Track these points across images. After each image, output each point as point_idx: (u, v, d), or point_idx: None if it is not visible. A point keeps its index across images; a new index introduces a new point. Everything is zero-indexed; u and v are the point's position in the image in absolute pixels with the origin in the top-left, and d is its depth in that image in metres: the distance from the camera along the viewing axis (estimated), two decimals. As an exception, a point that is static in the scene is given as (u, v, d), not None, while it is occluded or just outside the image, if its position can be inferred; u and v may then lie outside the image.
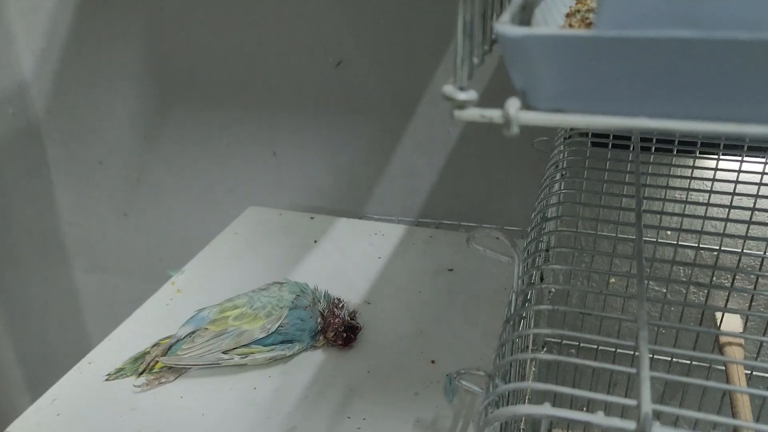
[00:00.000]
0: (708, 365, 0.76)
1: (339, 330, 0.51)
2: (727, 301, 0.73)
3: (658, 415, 0.28)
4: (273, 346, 0.48)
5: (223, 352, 0.47)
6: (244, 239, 0.67)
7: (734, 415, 0.61)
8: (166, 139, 0.88)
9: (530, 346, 0.49)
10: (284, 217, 0.71)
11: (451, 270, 0.61)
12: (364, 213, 0.82)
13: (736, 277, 0.72)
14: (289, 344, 0.49)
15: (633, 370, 0.30)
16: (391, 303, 0.56)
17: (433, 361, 0.49)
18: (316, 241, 0.66)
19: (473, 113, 0.24)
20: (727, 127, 0.22)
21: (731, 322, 0.71)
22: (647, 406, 0.27)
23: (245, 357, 0.47)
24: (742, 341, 0.70)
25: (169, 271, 0.62)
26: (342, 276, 0.59)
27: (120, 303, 1.06)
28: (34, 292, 0.97)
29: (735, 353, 0.68)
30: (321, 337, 0.51)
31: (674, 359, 0.75)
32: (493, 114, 0.24)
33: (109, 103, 0.88)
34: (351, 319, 0.52)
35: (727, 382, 0.65)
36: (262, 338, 0.48)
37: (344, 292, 0.57)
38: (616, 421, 0.27)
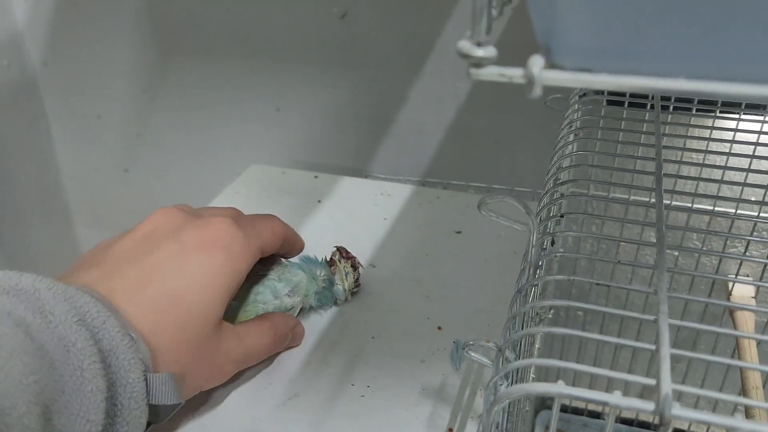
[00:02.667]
0: (716, 333, 0.74)
1: (354, 278, 0.50)
2: (739, 268, 0.71)
3: (678, 396, 0.26)
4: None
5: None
6: (245, 199, 0.65)
7: (743, 385, 0.60)
8: (167, 94, 0.86)
9: (541, 317, 0.48)
10: (287, 176, 0.69)
11: (459, 232, 0.59)
12: (370, 171, 0.80)
13: (751, 243, 0.70)
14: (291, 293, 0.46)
15: (652, 347, 0.29)
16: (397, 266, 0.55)
17: (439, 328, 0.48)
18: (320, 201, 0.64)
19: (492, 72, 0.22)
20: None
21: (743, 289, 0.69)
22: (667, 386, 0.26)
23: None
24: (752, 316, 0.68)
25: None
26: (346, 238, 0.57)
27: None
28: (37, 248, 0.96)
29: (746, 318, 0.67)
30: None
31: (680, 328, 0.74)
32: (515, 73, 0.22)
33: (107, 55, 0.85)
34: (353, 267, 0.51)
35: (736, 348, 0.64)
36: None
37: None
38: (634, 402, 0.26)
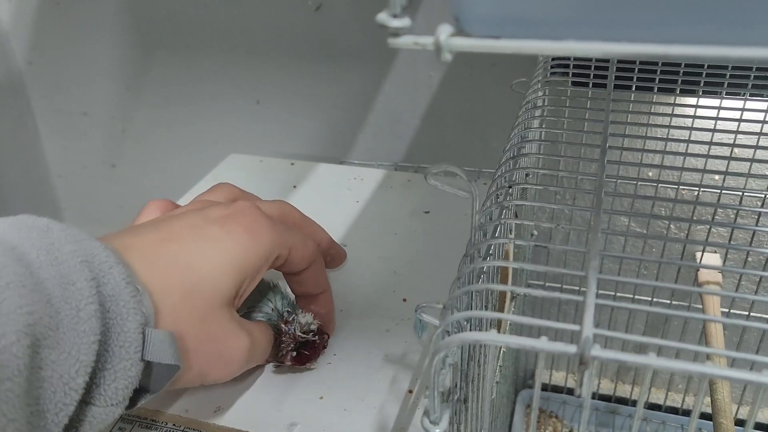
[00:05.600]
0: (687, 305, 0.77)
1: (288, 349, 0.43)
2: (704, 247, 0.73)
3: (604, 341, 0.28)
4: None
5: None
6: (224, 186, 0.67)
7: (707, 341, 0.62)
8: (150, 90, 0.88)
9: (509, 282, 0.50)
10: (265, 164, 0.71)
11: (428, 212, 0.61)
12: (348, 159, 0.82)
13: (714, 218, 0.72)
14: None
15: (579, 298, 0.31)
16: (366, 245, 0.57)
17: (404, 299, 0.50)
18: (295, 186, 0.66)
19: (407, 41, 0.24)
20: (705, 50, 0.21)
21: (710, 262, 0.72)
22: (588, 330, 0.28)
23: None
24: (720, 280, 0.70)
25: (150, 218, 0.62)
26: (319, 220, 0.59)
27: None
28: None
29: (714, 301, 0.69)
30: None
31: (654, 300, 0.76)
32: (426, 41, 0.24)
33: (91, 53, 0.88)
34: (304, 333, 0.43)
35: (703, 326, 0.67)
36: None
37: (321, 235, 0.58)
38: (558, 346, 0.28)
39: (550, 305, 0.84)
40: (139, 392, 0.34)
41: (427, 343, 0.46)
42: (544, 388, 0.91)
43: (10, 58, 0.90)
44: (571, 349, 0.28)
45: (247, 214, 0.40)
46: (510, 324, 0.63)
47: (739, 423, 0.76)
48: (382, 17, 0.24)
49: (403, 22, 0.24)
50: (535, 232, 0.74)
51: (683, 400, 0.83)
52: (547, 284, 0.80)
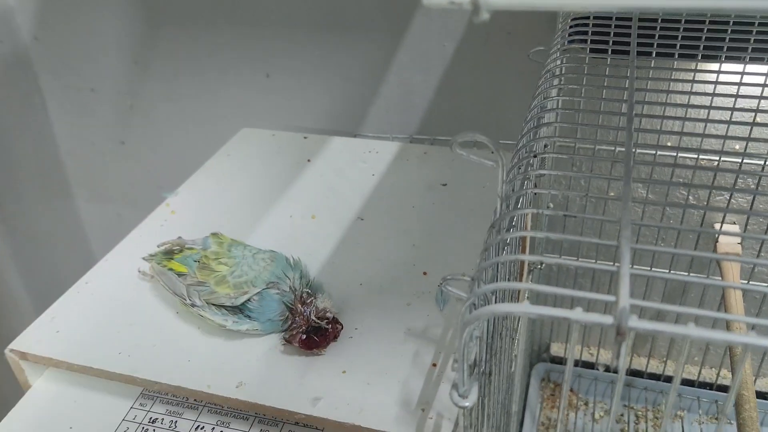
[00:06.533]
0: (706, 276, 0.76)
1: (299, 331, 0.43)
2: (724, 217, 0.72)
3: (640, 311, 0.28)
4: (233, 318, 0.45)
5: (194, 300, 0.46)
6: (237, 160, 0.67)
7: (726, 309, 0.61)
8: (157, 65, 0.87)
9: (527, 252, 0.49)
10: (277, 138, 0.70)
11: (445, 185, 0.60)
12: (359, 132, 0.81)
13: (734, 189, 0.71)
14: (248, 321, 0.45)
15: (614, 267, 0.30)
16: (384, 218, 0.56)
17: (425, 273, 0.50)
18: (309, 160, 0.66)
19: (442, 0, 0.23)
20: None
21: (729, 237, 0.71)
22: (625, 300, 0.27)
23: (203, 313, 0.45)
24: (739, 251, 0.69)
25: (163, 193, 0.62)
26: (335, 193, 0.58)
27: (123, 231, 1.07)
28: (39, 223, 0.98)
29: (732, 265, 0.68)
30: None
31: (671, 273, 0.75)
32: (463, 0, 0.23)
33: (97, 28, 0.86)
34: (318, 318, 0.43)
35: (722, 296, 0.66)
36: (228, 306, 0.45)
37: (338, 209, 0.57)
38: (594, 317, 0.27)
39: (566, 278, 0.84)
40: None
41: (449, 317, 0.46)
42: (559, 361, 0.91)
43: (16, 34, 0.89)
44: (608, 320, 0.27)
45: None
46: (528, 296, 0.63)
47: (759, 395, 0.76)
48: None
49: (437, -20, 0.23)
50: (551, 204, 0.73)
51: (699, 373, 0.83)
52: (563, 257, 0.79)
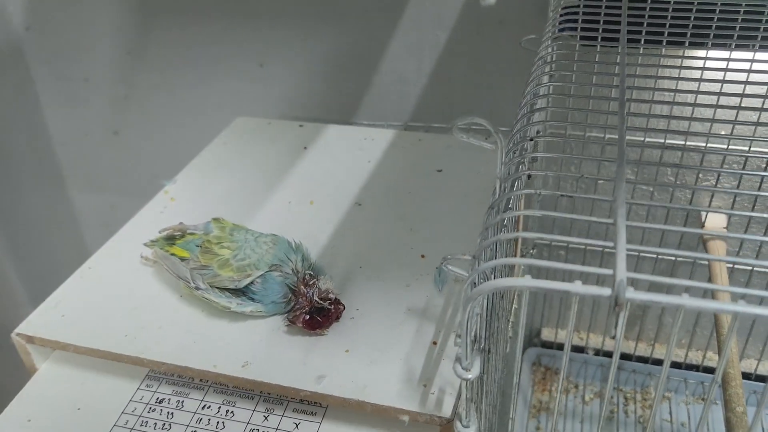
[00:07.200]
0: (692, 261, 0.78)
1: (302, 311, 0.44)
2: (711, 198, 0.74)
3: (633, 284, 0.29)
4: (237, 300, 0.46)
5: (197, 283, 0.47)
6: (233, 148, 0.67)
7: (713, 295, 0.63)
8: (151, 54, 0.87)
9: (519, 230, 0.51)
10: (273, 126, 0.71)
11: (440, 171, 0.61)
12: (354, 120, 0.82)
13: (721, 175, 0.73)
14: (252, 303, 0.45)
15: (610, 244, 0.31)
16: (381, 204, 0.57)
17: (423, 256, 0.51)
18: (305, 148, 0.66)
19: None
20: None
21: (716, 220, 0.72)
22: (622, 273, 0.29)
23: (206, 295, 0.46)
24: (725, 233, 0.71)
25: (162, 181, 0.62)
26: (332, 180, 0.59)
27: (117, 221, 1.07)
28: (34, 214, 0.98)
29: (718, 247, 0.70)
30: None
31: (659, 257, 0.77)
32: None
33: (89, 17, 0.86)
34: (321, 299, 0.44)
35: (710, 277, 0.68)
36: (231, 288, 0.46)
37: (335, 195, 0.58)
38: (593, 289, 0.29)
39: (557, 260, 0.85)
40: None
41: (448, 297, 0.47)
42: (549, 345, 0.92)
43: (7, 23, 0.89)
44: (606, 291, 0.29)
45: None
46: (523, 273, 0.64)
47: (744, 376, 0.78)
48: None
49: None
50: (545, 189, 0.75)
51: (686, 355, 0.85)
52: (553, 244, 0.81)
